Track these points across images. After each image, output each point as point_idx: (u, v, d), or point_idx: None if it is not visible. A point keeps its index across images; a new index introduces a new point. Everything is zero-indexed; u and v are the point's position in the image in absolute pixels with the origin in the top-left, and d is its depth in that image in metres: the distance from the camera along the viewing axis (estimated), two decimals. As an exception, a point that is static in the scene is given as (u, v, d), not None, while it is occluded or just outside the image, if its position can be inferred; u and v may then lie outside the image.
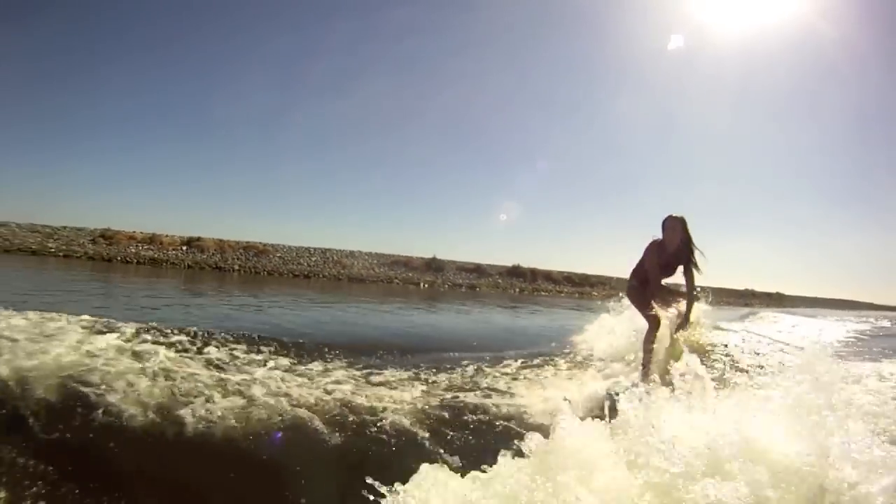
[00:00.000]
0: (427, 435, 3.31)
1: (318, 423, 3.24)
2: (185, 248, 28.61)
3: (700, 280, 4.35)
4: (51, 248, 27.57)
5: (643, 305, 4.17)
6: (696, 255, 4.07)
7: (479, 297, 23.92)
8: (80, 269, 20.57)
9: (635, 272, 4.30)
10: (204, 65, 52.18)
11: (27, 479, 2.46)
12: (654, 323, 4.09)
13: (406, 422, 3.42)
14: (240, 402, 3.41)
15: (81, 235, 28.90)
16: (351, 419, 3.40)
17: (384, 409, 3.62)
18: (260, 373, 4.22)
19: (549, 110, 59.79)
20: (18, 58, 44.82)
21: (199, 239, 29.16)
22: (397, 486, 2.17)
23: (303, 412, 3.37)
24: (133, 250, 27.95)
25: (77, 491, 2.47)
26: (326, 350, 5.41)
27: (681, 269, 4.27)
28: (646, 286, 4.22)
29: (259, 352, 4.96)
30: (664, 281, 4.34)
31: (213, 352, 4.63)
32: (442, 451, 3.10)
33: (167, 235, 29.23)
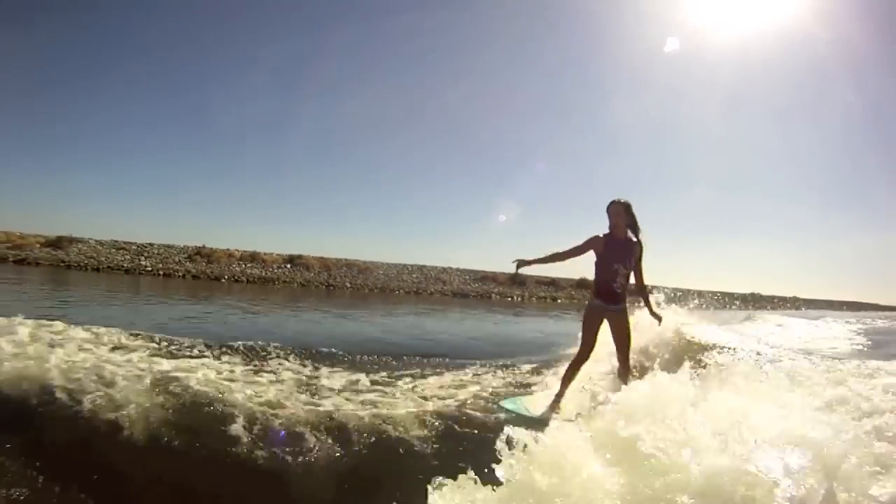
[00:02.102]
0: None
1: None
2: (288, 265, 26.10)
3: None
4: (145, 266, 24.06)
5: (591, 328, 3.57)
6: (642, 239, 3.58)
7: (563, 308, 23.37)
8: (206, 290, 18.01)
9: (596, 282, 3.61)
10: (207, 69, 48.33)
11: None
12: (586, 354, 3.57)
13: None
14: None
15: (173, 252, 25.51)
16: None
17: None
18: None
19: (552, 113, 59.56)
20: (17, 61, 40.39)
21: (300, 256, 26.64)
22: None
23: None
24: (238, 268, 25.05)
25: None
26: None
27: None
28: (611, 299, 3.54)
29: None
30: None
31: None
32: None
33: (267, 253, 26.51)
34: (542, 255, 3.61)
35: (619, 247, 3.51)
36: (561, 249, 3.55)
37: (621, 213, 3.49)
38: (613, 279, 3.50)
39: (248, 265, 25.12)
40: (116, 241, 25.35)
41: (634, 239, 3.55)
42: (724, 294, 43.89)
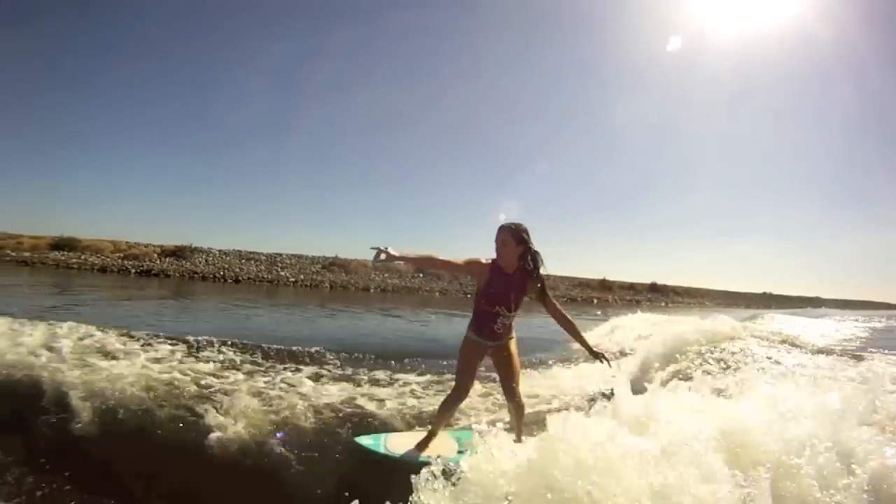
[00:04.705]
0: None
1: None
2: (420, 275, 24.44)
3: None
4: (286, 276, 21.51)
5: (470, 365, 2.67)
6: (542, 270, 2.60)
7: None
8: (383, 301, 16.55)
9: (475, 315, 2.67)
10: (208, 70, 45.55)
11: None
12: (463, 392, 2.70)
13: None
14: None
15: (306, 262, 23.02)
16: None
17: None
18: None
19: (556, 113, 58.75)
20: (20, 64, 36.34)
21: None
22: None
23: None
24: (378, 278, 23.07)
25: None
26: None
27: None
28: (492, 337, 2.64)
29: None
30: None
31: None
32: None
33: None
34: (414, 254, 2.56)
35: (505, 283, 2.56)
36: (439, 256, 2.58)
37: (510, 242, 2.52)
38: (493, 321, 2.61)
39: (385, 275, 23.32)
40: (240, 251, 22.60)
41: (531, 271, 2.55)
42: (735, 294, 45.79)
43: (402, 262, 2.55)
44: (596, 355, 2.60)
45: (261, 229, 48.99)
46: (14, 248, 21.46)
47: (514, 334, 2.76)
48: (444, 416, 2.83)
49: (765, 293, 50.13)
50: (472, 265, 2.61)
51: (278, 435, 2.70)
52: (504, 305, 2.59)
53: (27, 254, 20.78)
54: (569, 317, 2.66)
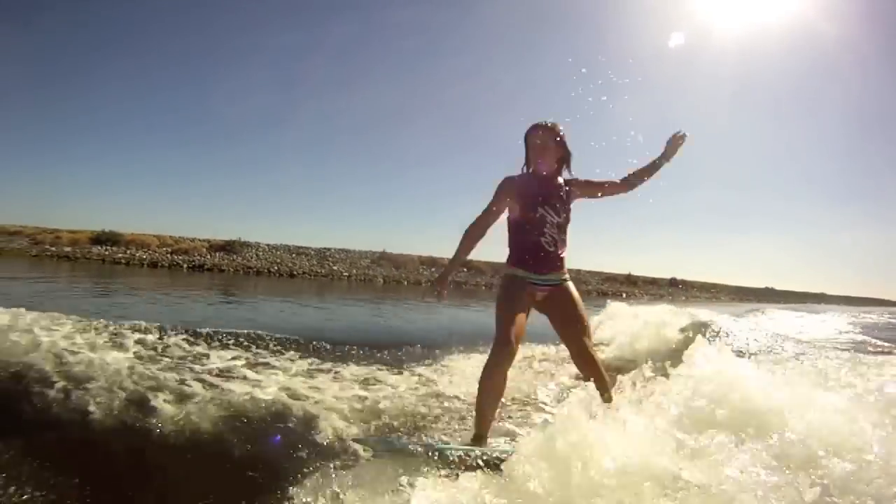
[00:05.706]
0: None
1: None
2: (465, 269, 24.39)
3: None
4: (340, 271, 21.15)
5: (512, 307, 1.97)
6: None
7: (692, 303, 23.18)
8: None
9: (514, 245, 2.13)
10: (207, 65, 44.71)
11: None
12: (506, 345, 1.89)
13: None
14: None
15: (356, 256, 22.70)
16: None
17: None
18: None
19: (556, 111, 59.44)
20: (18, 58, 35.21)
21: (470, 260, 25.06)
22: None
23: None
24: (426, 273, 22.88)
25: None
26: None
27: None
28: (541, 264, 2.04)
29: None
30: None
31: None
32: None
33: (440, 257, 24.59)
34: (454, 254, 2.15)
35: (544, 186, 2.07)
36: (469, 229, 2.11)
37: (549, 144, 2.04)
38: (540, 231, 2.02)
39: (432, 269, 23.20)
40: (288, 246, 22.17)
41: (568, 180, 2.11)
42: (746, 289, 45.73)
43: (459, 267, 2.18)
44: (666, 154, 2.13)
45: (259, 222, 48.06)
46: (52, 242, 20.59)
47: (567, 275, 2.05)
48: (488, 396, 1.90)
49: (767, 288, 50.78)
50: (500, 195, 2.07)
51: (276, 438, 2.40)
52: (549, 206, 2.00)
53: (68, 249, 19.95)
54: (628, 176, 2.14)
